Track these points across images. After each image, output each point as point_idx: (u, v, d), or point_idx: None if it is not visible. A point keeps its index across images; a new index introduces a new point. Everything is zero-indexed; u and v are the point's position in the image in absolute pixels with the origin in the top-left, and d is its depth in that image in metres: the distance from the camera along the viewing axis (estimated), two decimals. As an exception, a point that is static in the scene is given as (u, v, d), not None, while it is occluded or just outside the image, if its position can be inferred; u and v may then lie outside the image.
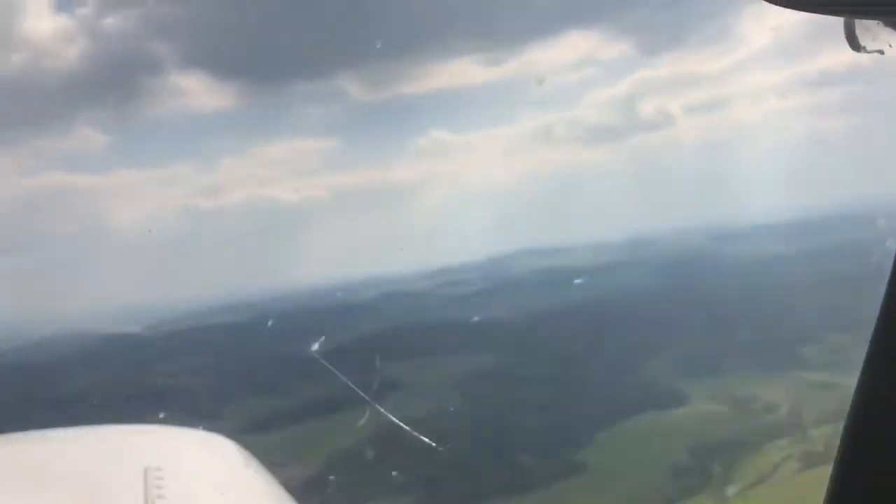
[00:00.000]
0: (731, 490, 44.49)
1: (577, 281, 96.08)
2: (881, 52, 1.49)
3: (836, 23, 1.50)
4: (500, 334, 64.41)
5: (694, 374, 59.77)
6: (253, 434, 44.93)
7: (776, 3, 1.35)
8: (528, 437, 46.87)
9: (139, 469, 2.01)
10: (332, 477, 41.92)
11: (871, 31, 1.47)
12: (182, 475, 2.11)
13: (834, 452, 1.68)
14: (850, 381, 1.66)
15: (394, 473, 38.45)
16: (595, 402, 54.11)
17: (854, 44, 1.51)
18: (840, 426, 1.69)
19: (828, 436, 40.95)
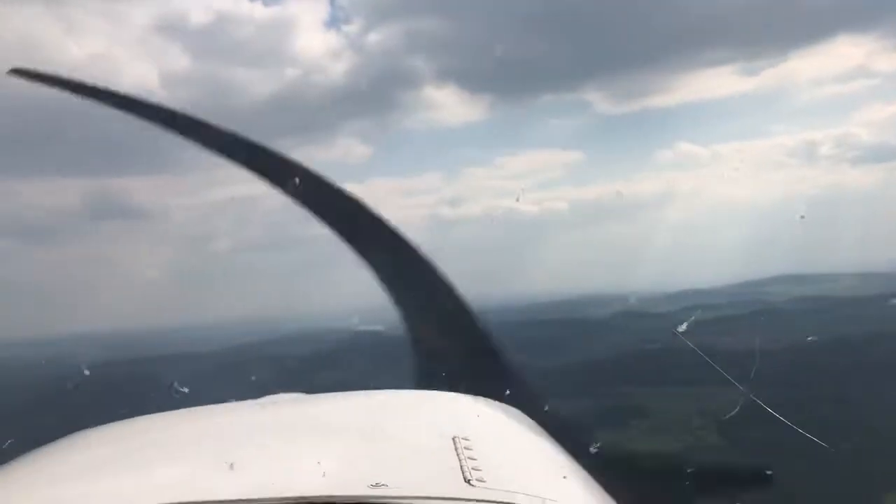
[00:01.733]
0: None
1: (846, 313, 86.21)
2: None
3: None
4: (759, 367, 57.34)
5: None
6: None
7: None
8: (800, 490, 40.48)
9: (447, 436, 2.01)
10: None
11: None
12: (489, 444, 2.07)
13: None
14: None
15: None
16: (880, 453, 45.86)
17: None
18: None
19: None
